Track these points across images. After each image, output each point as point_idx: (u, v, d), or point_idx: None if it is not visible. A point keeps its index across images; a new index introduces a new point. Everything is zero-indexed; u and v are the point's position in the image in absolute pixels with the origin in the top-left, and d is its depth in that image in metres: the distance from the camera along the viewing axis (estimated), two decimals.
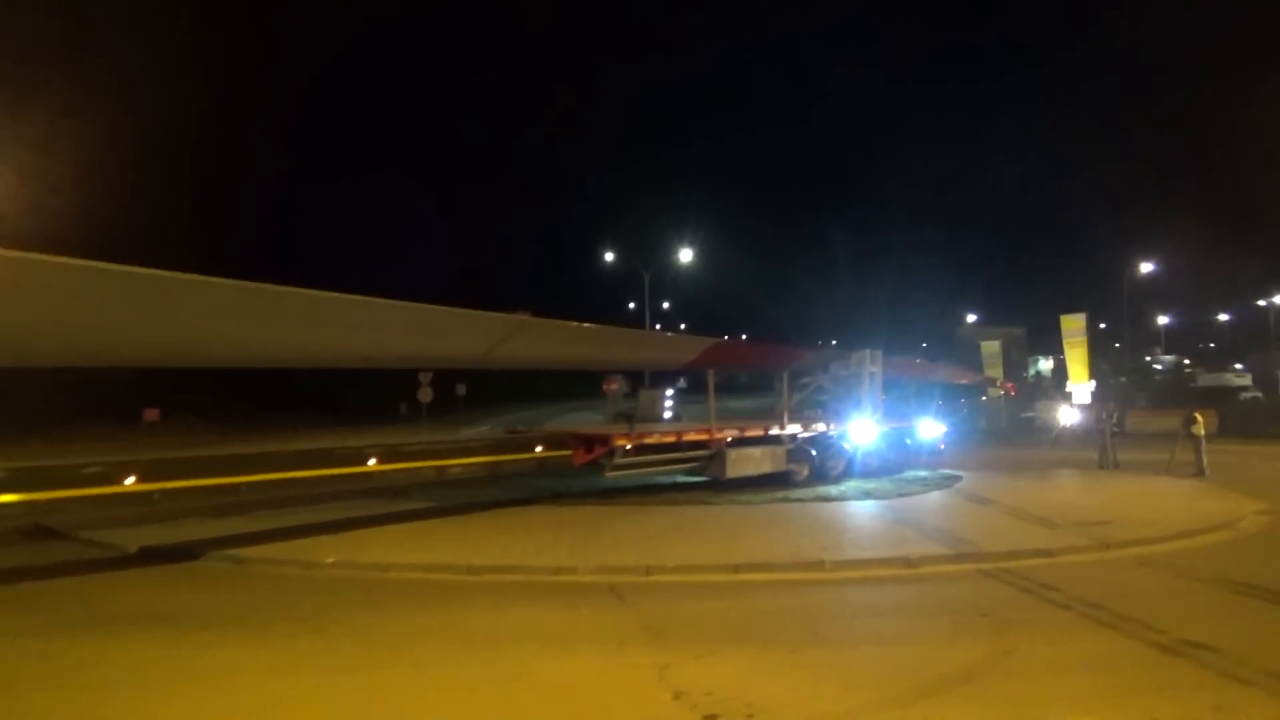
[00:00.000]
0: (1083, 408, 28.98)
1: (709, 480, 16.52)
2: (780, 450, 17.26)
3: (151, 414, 37.12)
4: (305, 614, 8.48)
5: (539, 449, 19.87)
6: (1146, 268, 47.69)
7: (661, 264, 43.36)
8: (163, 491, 12.49)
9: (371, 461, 16.84)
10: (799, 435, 17.86)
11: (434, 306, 10.32)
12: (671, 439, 16.02)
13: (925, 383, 26.52)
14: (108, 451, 23.39)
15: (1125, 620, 7.57)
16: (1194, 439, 18.94)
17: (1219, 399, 38.58)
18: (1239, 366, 57.94)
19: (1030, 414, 40.58)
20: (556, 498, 15.78)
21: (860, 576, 9.92)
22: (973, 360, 47.60)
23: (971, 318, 76.77)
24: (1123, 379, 53.50)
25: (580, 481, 17.29)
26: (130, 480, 12.33)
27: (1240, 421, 31.30)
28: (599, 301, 56.81)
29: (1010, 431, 36.55)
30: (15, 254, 7.31)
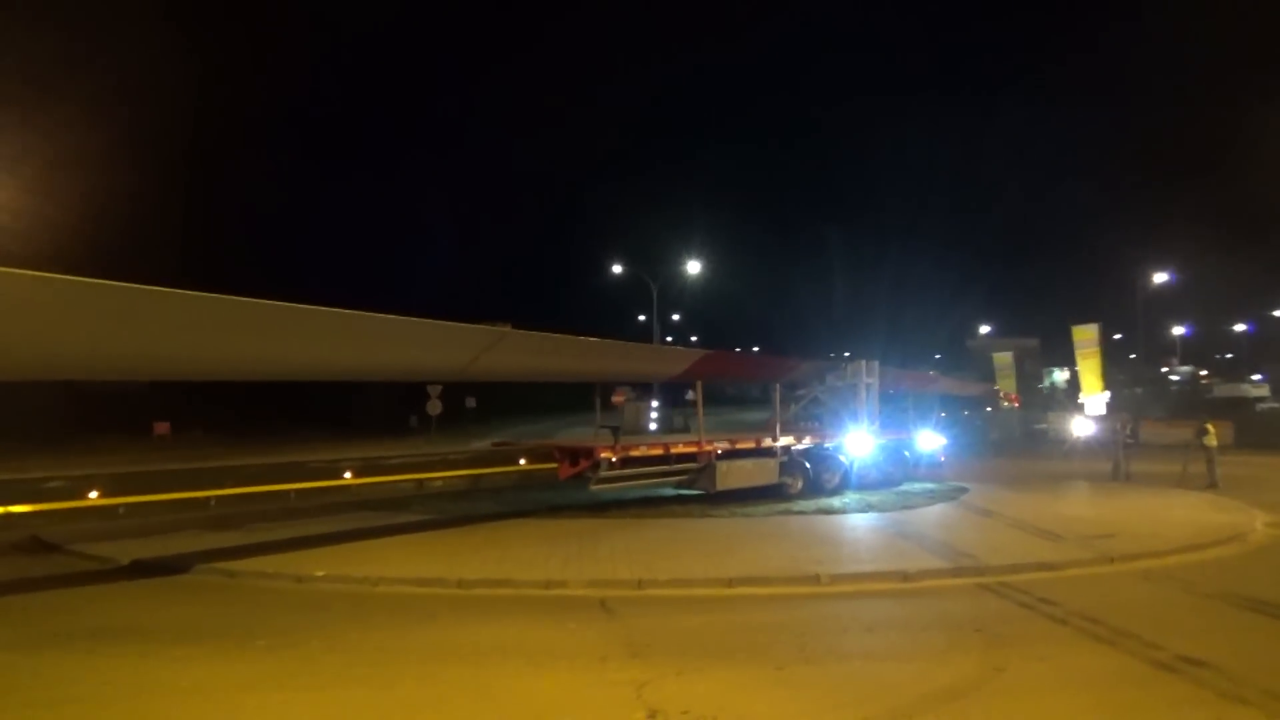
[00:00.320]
0: (1096, 419, 28.64)
1: (706, 493, 16.27)
2: (772, 462, 16.99)
3: (162, 427, 37.21)
4: (287, 628, 8.35)
5: (522, 462, 19.63)
6: (1161, 278, 47.12)
7: (670, 277, 43.28)
8: (129, 506, 12.40)
9: (347, 475, 16.68)
10: (793, 447, 17.61)
11: (412, 318, 10.17)
12: (659, 451, 15.73)
13: (925, 395, 26.20)
14: (113, 464, 23.34)
15: (1123, 636, 7.37)
16: (1206, 450, 18.64)
17: (1235, 410, 38.00)
18: (1257, 377, 57.13)
19: (1042, 425, 40.20)
20: (554, 510, 15.60)
21: (855, 591, 9.74)
22: (985, 371, 47.24)
23: (985, 329, 76.39)
24: (1138, 390, 52.88)
25: (579, 494, 17.08)
26: (94, 495, 12.23)
27: (1257, 432, 30.77)
28: (607, 315, 56.77)
29: (1022, 443, 36.15)
30: (18, 272, 7.33)
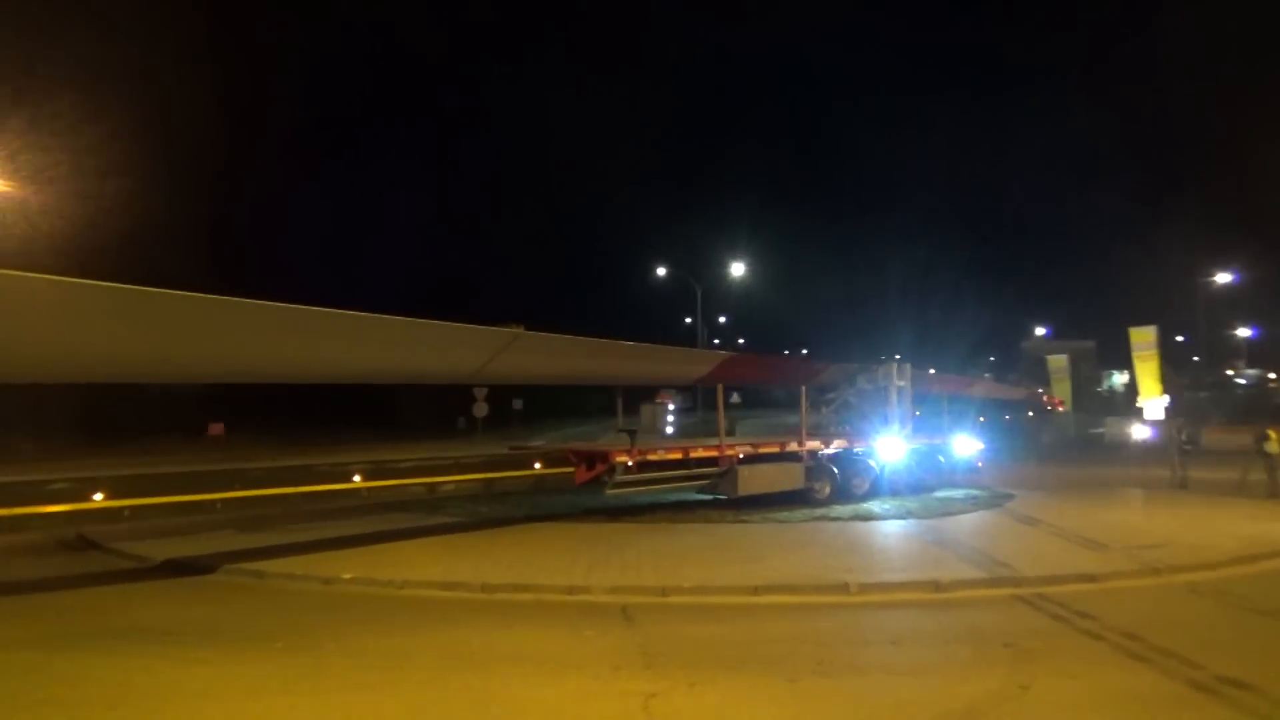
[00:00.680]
0: (1153, 424, 27.74)
1: (728, 498, 15.90)
2: (797, 467, 16.66)
3: (216, 428, 37.97)
4: (306, 631, 8.38)
5: (537, 466, 19.45)
6: (1225, 278, 45.53)
7: (715, 279, 43.07)
8: (133, 508, 12.64)
9: (356, 478, 16.75)
10: (820, 452, 17.28)
11: (423, 320, 10.16)
12: (678, 455, 15.45)
13: (962, 398, 25.54)
14: (166, 464, 23.97)
15: (1160, 653, 7.01)
16: (1267, 457, 17.84)
17: None
18: None
19: (1099, 430, 39.10)
20: (586, 514, 15.51)
21: (884, 601, 9.48)
22: (1039, 374, 46.13)
23: (1040, 331, 74.73)
24: (1202, 394, 51.13)
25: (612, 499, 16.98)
26: (99, 497, 12.46)
27: None
28: (654, 319, 56.62)
29: (1077, 448, 35.18)
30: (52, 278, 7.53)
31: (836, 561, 11.06)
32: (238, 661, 7.29)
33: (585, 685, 6.53)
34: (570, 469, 15.53)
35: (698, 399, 41.14)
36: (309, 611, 9.40)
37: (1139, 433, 28.41)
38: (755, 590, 9.75)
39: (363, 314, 9.14)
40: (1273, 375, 68.98)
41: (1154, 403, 28.63)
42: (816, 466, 17.04)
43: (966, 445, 20.76)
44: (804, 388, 18.18)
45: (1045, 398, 37.76)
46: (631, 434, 15.75)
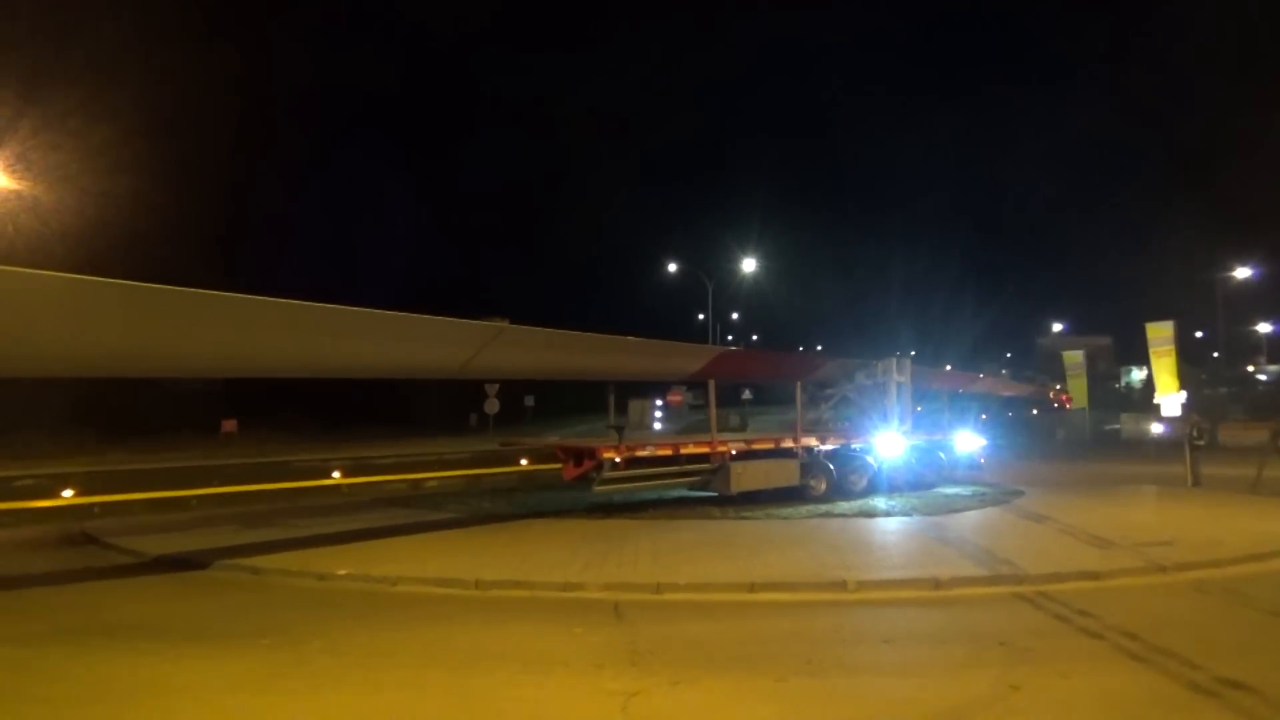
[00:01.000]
0: (1167, 420, 27.36)
1: (737, 495, 15.75)
2: (792, 464, 16.49)
3: (229, 424, 38.25)
4: (293, 627, 8.30)
5: (524, 462, 19.31)
6: (1244, 273, 44.84)
7: (727, 275, 42.87)
8: (103, 505, 12.58)
9: (336, 475, 16.67)
10: (816, 448, 17.10)
11: (408, 315, 10.07)
12: (667, 452, 15.33)
13: (966, 394, 25.27)
14: (178, 459, 24.17)
15: (1160, 653, 6.83)
16: None
17: None
18: None
19: (1114, 426, 38.68)
20: (589, 511, 15.37)
21: (882, 599, 9.33)
22: (1055, 370, 45.67)
23: (1057, 327, 74.11)
24: (1222, 390, 50.48)
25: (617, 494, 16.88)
26: (68, 493, 12.41)
27: None
28: (668, 316, 56.58)
29: (1092, 445, 34.80)
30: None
31: (836, 559, 10.90)
32: (221, 658, 7.22)
33: (567, 684, 6.42)
34: (559, 465, 15.43)
35: (710, 394, 41.08)
36: (300, 608, 9.34)
37: (1156, 429, 28.06)
38: (751, 587, 9.62)
39: (345, 308, 9.08)
40: None
41: (1171, 399, 28.19)
42: (812, 463, 16.86)
43: (968, 441, 20.51)
44: (799, 384, 17.99)
45: (1051, 394, 37.35)
46: (619, 430, 15.64)
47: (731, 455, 15.79)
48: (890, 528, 13.52)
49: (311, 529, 13.76)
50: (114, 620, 8.72)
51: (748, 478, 15.71)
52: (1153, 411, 29.65)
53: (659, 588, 9.66)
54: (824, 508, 15.22)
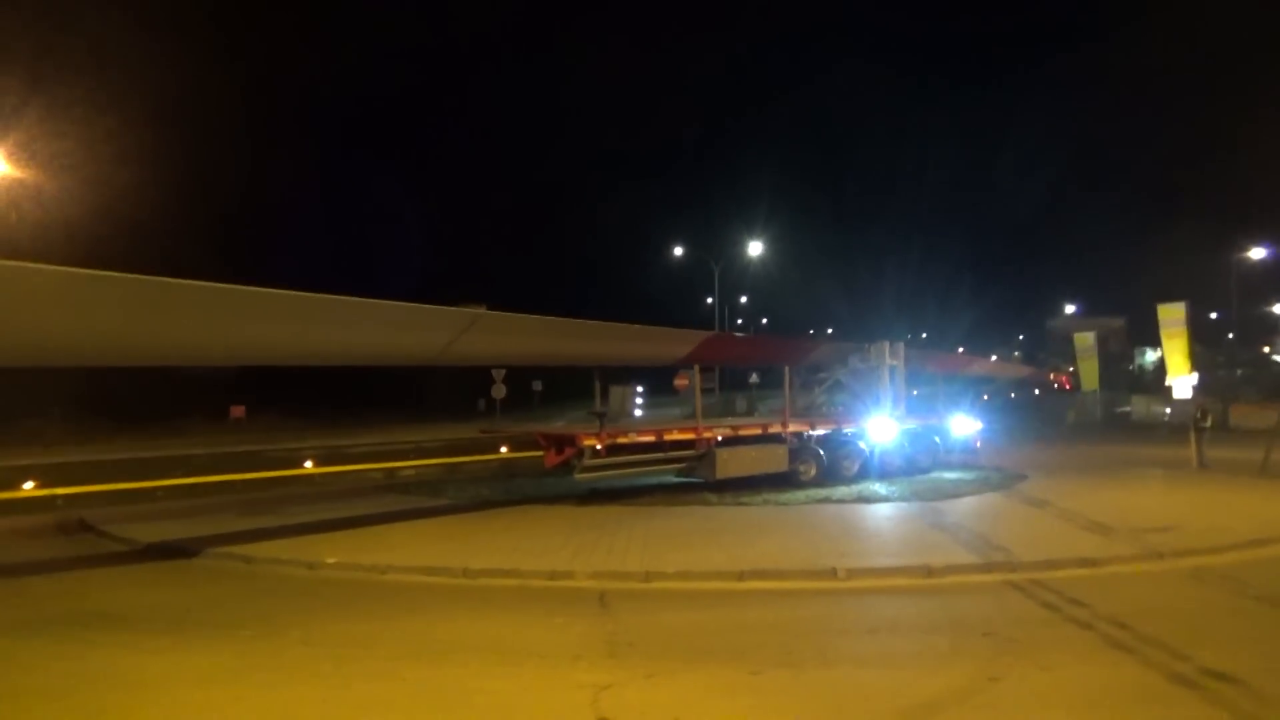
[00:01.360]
0: (1181, 403, 27.07)
1: (721, 481, 15.55)
2: (780, 449, 16.32)
3: (237, 411, 38.40)
4: (275, 617, 8.27)
5: (504, 450, 19.17)
6: (1259, 253, 44.17)
7: (733, 259, 42.64)
8: (66, 497, 12.61)
9: (308, 464, 16.66)
10: (805, 434, 16.92)
11: (382, 301, 9.97)
12: (650, 438, 15.20)
13: (962, 377, 25.00)
14: (182, 446, 24.30)
15: (1148, 644, 6.69)
16: None
17: None
18: None
19: (1126, 408, 38.35)
20: (585, 499, 15.29)
21: (872, 587, 9.21)
22: (1066, 352, 45.28)
23: (1070, 308, 73.42)
24: (1237, 372, 49.90)
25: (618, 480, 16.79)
26: (29, 486, 12.43)
27: None
28: (675, 300, 56.36)
29: (1102, 428, 34.48)
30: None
31: (829, 545, 10.79)
32: (198, 650, 7.18)
33: (540, 676, 6.34)
34: (539, 453, 15.33)
35: (719, 379, 40.90)
36: (286, 596, 9.31)
37: (1166, 411, 27.80)
38: (740, 576, 9.51)
39: (314, 295, 8.99)
40: None
41: (1182, 380, 27.88)
42: (801, 448, 16.69)
43: (964, 425, 20.30)
44: (788, 368, 17.81)
45: (1051, 376, 37.04)
46: (600, 417, 15.51)
47: (717, 441, 15.66)
48: (886, 514, 13.38)
49: (306, 516, 13.75)
50: (98, 609, 8.72)
51: (734, 464, 15.56)
52: (1165, 393, 29.36)
53: (647, 576, 9.56)
54: (822, 493, 15.08)
